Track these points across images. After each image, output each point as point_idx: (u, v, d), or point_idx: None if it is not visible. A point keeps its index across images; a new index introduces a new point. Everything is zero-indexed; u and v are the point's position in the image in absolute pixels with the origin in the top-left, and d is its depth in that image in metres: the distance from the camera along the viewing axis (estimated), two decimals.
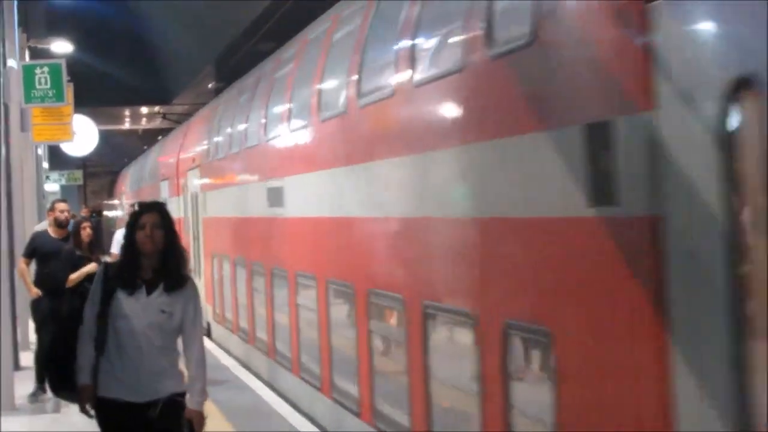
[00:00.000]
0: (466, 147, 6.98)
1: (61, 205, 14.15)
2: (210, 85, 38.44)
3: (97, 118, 40.85)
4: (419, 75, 7.81)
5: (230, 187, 17.40)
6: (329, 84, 10.89)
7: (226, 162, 17.77)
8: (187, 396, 6.90)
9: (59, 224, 13.85)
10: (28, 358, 15.67)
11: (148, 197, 31.05)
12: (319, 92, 11.11)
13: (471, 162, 6.90)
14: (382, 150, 8.81)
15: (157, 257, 6.83)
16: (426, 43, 8.00)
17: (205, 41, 32.71)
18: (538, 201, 5.92)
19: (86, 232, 13.13)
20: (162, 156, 30.68)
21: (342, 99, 10.14)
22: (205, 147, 20.43)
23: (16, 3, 19.16)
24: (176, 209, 22.93)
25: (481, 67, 6.64)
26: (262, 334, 15.23)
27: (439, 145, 7.48)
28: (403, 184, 8.35)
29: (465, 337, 7.16)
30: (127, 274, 6.82)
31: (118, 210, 49.30)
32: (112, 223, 50.21)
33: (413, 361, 8.10)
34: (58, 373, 7.08)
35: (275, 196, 13.51)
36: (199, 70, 37.23)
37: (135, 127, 61.35)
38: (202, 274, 20.72)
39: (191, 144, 22.98)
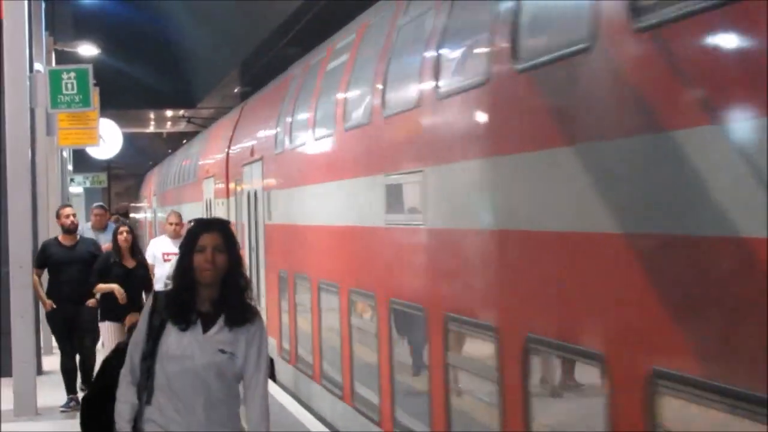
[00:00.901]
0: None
1: (67, 210, 13.55)
2: (235, 90, 38.40)
3: (121, 121, 40.90)
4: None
5: (315, 186, 12.55)
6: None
7: (308, 150, 12.92)
8: None
9: (67, 230, 13.24)
10: (50, 363, 15.58)
11: (184, 199, 29.33)
12: None
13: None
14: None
15: (218, 285, 5.63)
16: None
17: (231, 45, 32.67)
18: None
19: (123, 237, 12.70)
20: (204, 151, 26.39)
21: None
22: (272, 134, 15.50)
23: (43, 6, 19.15)
24: (224, 213, 19.81)
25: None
26: (370, 393, 10.21)
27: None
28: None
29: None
30: (180, 307, 5.63)
31: (147, 212, 45.58)
32: (136, 226, 49.86)
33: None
34: (89, 413, 6.10)
35: (399, 196, 9.21)
36: (224, 75, 37.21)
37: (159, 130, 61.46)
38: (262, 296, 16.47)
39: (247, 133, 18.57)
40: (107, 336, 12.68)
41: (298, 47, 25.78)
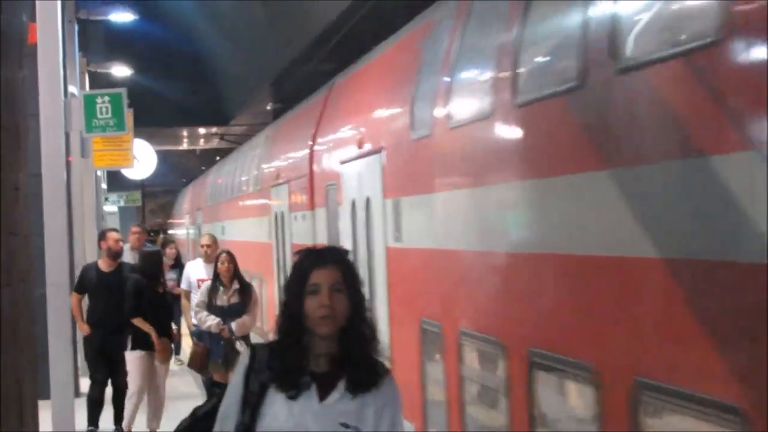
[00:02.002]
0: None
1: (115, 234, 13.39)
2: (268, 107, 38.47)
3: (154, 139, 41.12)
4: None
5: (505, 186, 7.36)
6: None
7: (488, 131, 7.53)
8: None
9: (113, 255, 13.12)
10: (87, 385, 15.60)
11: (239, 213, 24.26)
12: None
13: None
14: None
15: (336, 338, 4.22)
16: None
17: (263, 62, 32.72)
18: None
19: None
20: (270, 152, 20.59)
21: None
22: (402, 111, 10.16)
23: (76, 28, 19.26)
24: (306, 232, 14.78)
25: None
26: None
27: None
28: None
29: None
30: (288, 366, 4.24)
31: (189, 229, 39.50)
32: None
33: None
34: None
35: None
36: (256, 92, 37.27)
37: (192, 147, 61.67)
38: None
39: (348, 117, 13.17)
40: (134, 365, 12.59)
41: (331, 64, 25.84)
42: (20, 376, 7.80)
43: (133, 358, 12.60)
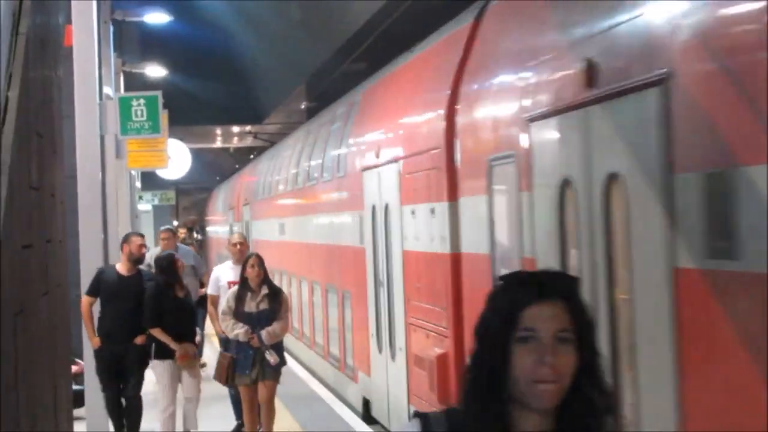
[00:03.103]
0: None
1: (139, 239, 12.61)
2: (302, 105, 38.48)
3: (188, 137, 41.22)
4: None
5: None
6: None
7: None
8: None
9: (135, 261, 12.35)
10: None
11: (311, 209, 18.62)
12: None
13: None
14: None
15: (554, 410, 2.82)
16: None
17: (297, 61, 32.72)
18: None
19: (180, 264, 12.36)
20: (366, 120, 14.65)
21: None
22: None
23: (111, 29, 19.28)
24: (438, 232, 10.28)
25: None
26: None
27: None
28: None
29: None
30: None
31: (234, 227, 31.90)
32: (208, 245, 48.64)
33: None
34: None
35: None
36: (290, 90, 37.29)
37: (226, 145, 61.79)
38: None
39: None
40: (163, 374, 12.16)
41: (364, 63, 25.78)
42: (57, 381, 7.79)
43: (160, 369, 12.15)
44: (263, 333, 11.83)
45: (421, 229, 10.78)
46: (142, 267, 12.67)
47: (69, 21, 12.09)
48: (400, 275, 11.78)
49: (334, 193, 16.10)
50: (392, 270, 12.26)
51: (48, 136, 7.20)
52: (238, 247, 13.45)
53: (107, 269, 12.47)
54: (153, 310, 11.95)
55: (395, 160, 11.93)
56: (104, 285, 12.09)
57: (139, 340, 12.05)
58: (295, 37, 31.29)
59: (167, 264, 12.25)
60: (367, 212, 13.37)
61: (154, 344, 12.03)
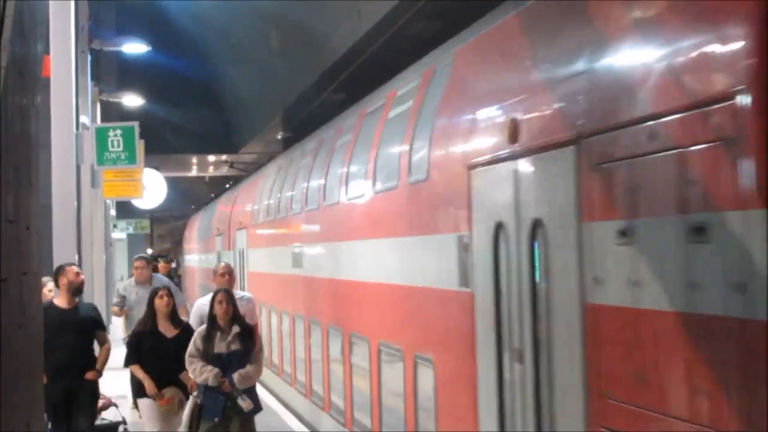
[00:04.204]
0: None
1: (75, 267, 11.77)
2: (278, 135, 38.42)
3: (164, 165, 41.10)
4: None
5: None
6: None
7: None
8: None
9: (74, 291, 11.39)
10: None
11: (354, 230, 12.52)
12: None
13: None
14: None
15: None
16: None
17: (275, 91, 32.74)
18: None
19: (163, 301, 11.47)
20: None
21: None
22: None
23: (89, 59, 19.23)
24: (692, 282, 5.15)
25: None
26: None
27: None
28: None
29: None
30: None
31: (219, 255, 28.23)
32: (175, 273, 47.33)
33: None
34: None
35: None
36: (268, 120, 37.28)
37: (202, 174, 61.70)
38: None
39: None
40: (147, 414, 11.54)
41: (342, 93, 25.76)
42: (31, 419, 7.67)
43: (144, 406, 11.62)
44: (235, 376, 10.93)
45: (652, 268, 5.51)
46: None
47: (47, 51, 12.03)
48: (578, 348, 6.28)
49: (402, 208, 10.46)
50: (551, 335, 6.75)
51: (24, 168, 7.12)
52: (226, 277, 12.72)
53: (45, 306, 10.97)
54: (130, 347, 11.61)
55: (568, 142, 6.48)
56: (47, 320, 10.62)
57: (90, 375, 11.38)
58: (273, 66, 31.32)
59: (148, 301, 11.70)
60: (481, 234, 8.11)
61: (134, 383, 11.66)
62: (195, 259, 40.09)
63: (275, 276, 18.67)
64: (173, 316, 11.66)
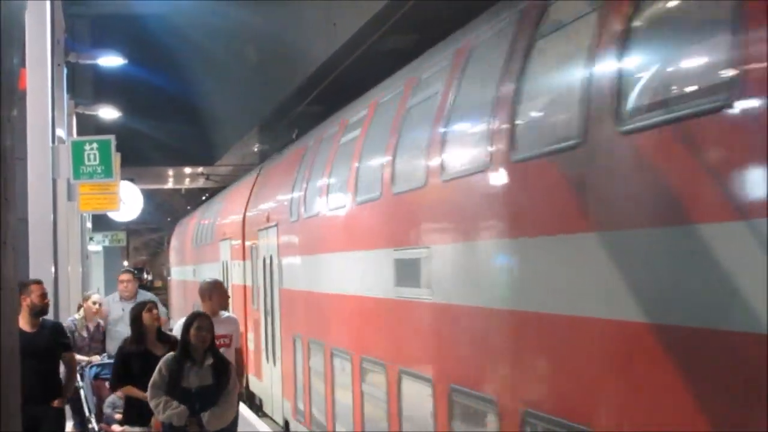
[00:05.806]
0: None
1: (39, 287, 10.55)
2: (255, 148, 38.40)
3: (140, 178, 40.94)
4: None
5: None
6: None
7: None
8: None
9: (37, 313, 10.40)
10: None
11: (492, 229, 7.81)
12: None
13: None
14: None
15: None
16: None
17: (252, 104, 32.74)
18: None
19: (152, 314, 10.39)
20: None
21: None
22: None
23: (65, 72, 19.21)
24: None
25: None
26: None
27: None
28: None
29: None
30: None
31: (229, 268, 23.56)
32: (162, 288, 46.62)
33: None
34: None
35: None
36: (244, 132, 37.28)
37: (178, 186, 61.58)
38: None
39: None
40: None
41: (319, 106, 25.78)
42: None
43: None
44: (207, 415, 9.43)
45: None
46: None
47: (23, 64, 12.04)
48: None
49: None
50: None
51: (1, 183, 7.11)
52: (214, 299, 10.95)
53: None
54: (117, 368, 10.46)
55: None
56: None
57: (57, 403, 10.61)
58: (249, 79, 31.32)
59: (133, 316, 10.61)
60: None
61: (124, 406, 10.66)
62: (187, 271, 34.77)
63: (344, 297, 12.51)
64: (160, 332, 10.60)
